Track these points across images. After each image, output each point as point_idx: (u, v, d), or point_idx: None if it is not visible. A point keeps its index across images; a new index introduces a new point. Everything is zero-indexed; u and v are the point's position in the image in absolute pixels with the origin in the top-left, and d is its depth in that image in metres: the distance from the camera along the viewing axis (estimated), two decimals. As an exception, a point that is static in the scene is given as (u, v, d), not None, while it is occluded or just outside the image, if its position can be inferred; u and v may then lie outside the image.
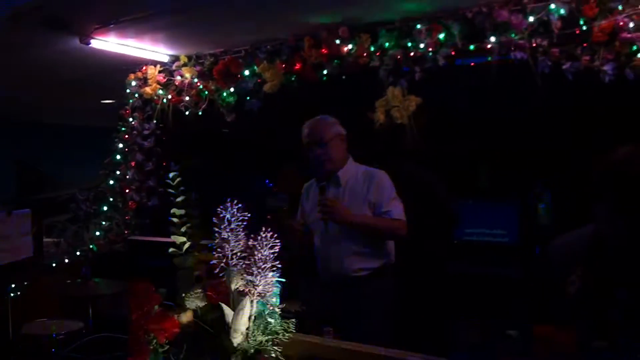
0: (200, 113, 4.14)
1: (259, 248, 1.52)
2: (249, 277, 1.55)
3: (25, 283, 4.04)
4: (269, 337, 1.57)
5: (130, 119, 4.45)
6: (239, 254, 1.57)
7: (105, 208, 4.47)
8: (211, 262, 1.59)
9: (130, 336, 1.55)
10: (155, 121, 4.46)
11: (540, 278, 2.32)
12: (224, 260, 1.57)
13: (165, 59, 4.27)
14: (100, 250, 4.44)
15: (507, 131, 4.72)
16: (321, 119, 3.11)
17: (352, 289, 3.01)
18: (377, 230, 3.01)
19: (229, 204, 1.56)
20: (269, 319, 1.59)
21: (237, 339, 1.55)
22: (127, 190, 4.37)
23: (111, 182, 4.44)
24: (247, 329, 1.57)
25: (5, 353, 3.13)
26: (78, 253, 4.45)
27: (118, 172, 4.45)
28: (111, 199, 4.46)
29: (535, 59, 3.08)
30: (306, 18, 3.51)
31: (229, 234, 1.57)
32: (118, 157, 4.45)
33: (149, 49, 4.06)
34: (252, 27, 3.70)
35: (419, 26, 3.27)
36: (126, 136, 4.44)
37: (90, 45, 3.61)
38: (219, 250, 1.57)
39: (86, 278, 3.42)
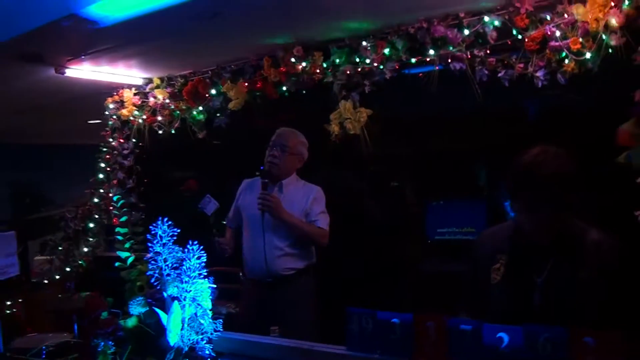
0: (173, 131, 4.38)
1: (188, 259, 1.77)
2: (180, 285, 1.79)
3: (20, 300, 4.30)
4: (201, 336, 1.81)
5: (111, 140, 4.70)
6: (171, 264, 1.81)
7: (91, 225, 4.71)
8: (147, 273, 1.83)
9: (81, 341, 1.78)
10: (134, 140, 4.71)
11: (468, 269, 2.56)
12: (158, 271, 1.81)
13: (140, 82, 4.51)
14: (89, 266, 4.69)
15: (473, 133, 4.97)
16: (297, 132, 3.48)
17: (281, 287, 3.36)
18: (304, 233, 3.43)
19: (159, 222, 1.81)
20: (201, 320, 1.83)
21: (172, 339, 1.79)
22: (110, 207, 4.61)
23: (95, 200, 4.68)
24: (182, 329, 1.81)
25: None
26: (68, 269, 4.70)
27: (102, 190, 4.69)
28: (97, 216, 4.70)
29: (473, 68, 3.30)
30: (264, 39, 3.74)
31: (162, 247, 1.81)
32: (101, 175, 4.69)
33: (122, 74, 4.30)
34: (218, 49, 3.93)
35: (364, 43, 3.50)
36: (107, 156, 4.68)
37: (65, 75, 3.86)
38: (152, 262, 1.82)
39: (70, 292, 3.66)
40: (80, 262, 4.71)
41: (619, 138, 1.72)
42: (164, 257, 1.82)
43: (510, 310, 2.26)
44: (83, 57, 3.65)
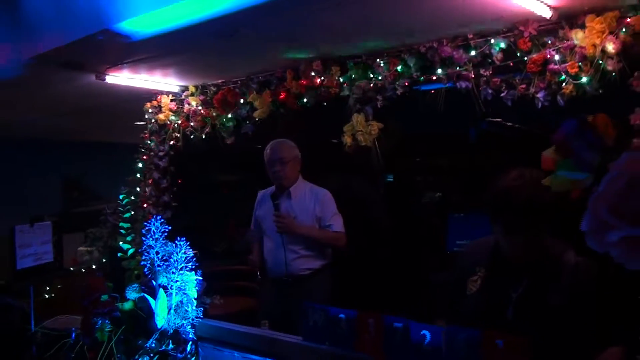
0: (204, 137, 4.67)
1: (176, 253, 2.02)
2: (168, 275, 2.04)
3: (58, 286, 4.68)
4: (185, 321, 2.06)
5: (149, 142, 5.04)
6: (161, 257, 2.07)
7: (127, 220, 5.05)
8: (141, 264, 2.09)
9: (83, 318, 2.06)
10: (172, 142, 5.02)
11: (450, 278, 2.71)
12: (150, 262, 2.07)
13: (176, 89, 4.83)
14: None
15: (488, 148, 5.10)
16: (283, 141, 3.72)
17: (298, 286, 3.59)
18: (321, 240, 3.60)
19: (153, 219, 2.07)
20: (186, 307, 2.08)
21: (160, 322, 2.04)
22: (145, 205, 4.94)
23: (132, 197, 5.02)
24: (168, 314, 2.06)
25: (26, 343, 3.70)
26: (104, 260, 5.06)
27: (138, 189, 5.03)
28: (133, 212, 5.04)
29: (478, 87, 3.46)
30: (289, 54, 3.98)
31: (154, 242, 2.07)
32: (138, 175, 5.04)
33: (160, 81, 4.63)
34: (247, 61, 4.20)
35: (378, 60, 3.69)
36: (144, 157, 5.03)
37: (105, 81, 4.20)
38: (145, 254, 2.09)
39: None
40: (116, 253, 5.05)
41: (542, 163, 1.86)
42: (155, 250, 2.08)
43: (484, 322, 2.39)
44: (119, 65, 3.97)
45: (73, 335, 3.69)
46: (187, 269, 2.05)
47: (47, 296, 4.81)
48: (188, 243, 2.05)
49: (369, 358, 1.70)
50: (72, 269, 4.89)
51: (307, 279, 3.77)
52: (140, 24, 3.19)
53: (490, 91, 3.42)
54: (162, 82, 4.64)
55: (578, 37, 3.11)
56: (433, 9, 3.04)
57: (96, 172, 7.69)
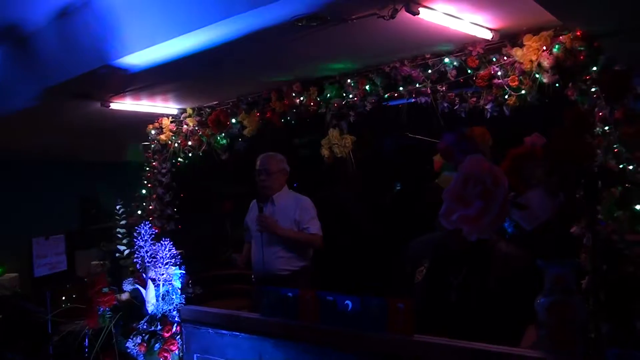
0: (201, 154, 5.14)
1: (161, 251, 2.47)
2: (155, 269, 2.49)
3: (73, 295, 5.16)
4: (171, 307, 2.50)
5: (152, 160, 5.52)
6: (150, 255, 2.52)
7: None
8: (134, 261, 2.54)
9: (87, 306, 2.51)
10: (174, 160, 5.49)
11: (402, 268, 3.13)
12: (141, 260, 2.52)
13: (175, 112, 5.31)
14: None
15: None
16: (273, 154, 4.15)
17: (278, 284, 3.98)
18: (300, 241, 4.00)
19: (143, 225, 2.53)
20: (172, 296, 2.52)
21: (150, 308, 2.48)
22: (150, 218, 5.40)
23: (139, 212, 5.49)
24: (157, 301, 2.50)
25: (44, 344, 4.16)
26: (113, 268, 5.54)
27: (144, 204, 5.50)
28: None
29: (436, 102, 3.87)
30: (272, 77, 4.44)
31: (144, 243, 2.52)
32: (144, 191, 5.50)
33: (160, 106, 5.11)
34: (238, 85, 4.65)
35: (349, 80, 4.13)
36: (149, 174, 5.50)
37: (110, 108, 4.68)
38: (137, 253, 2.54)
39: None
40: (124, 265, 5.52)
41: (434, 165, 2.27)
42: (145, 249, 2.53)
43: (429, 305, 2.79)
44: (122, 94, 4.45)
45: (87, 337, 4.15)
46: (172, 264, 2.50)
47: (63, 305, 5.26)
48: (173, 244, 2.49)
49: (310, 325, 2.14)
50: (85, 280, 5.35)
51: (286, 279, 4.16)
52: (136, 59, 3.65)
53: (446, 105, 3.82)
54: (162, 106, 5.11)
55: (517, 54, 3.49)
56: (390, 34, 3.40)
57: (111, 191, 8.09)
